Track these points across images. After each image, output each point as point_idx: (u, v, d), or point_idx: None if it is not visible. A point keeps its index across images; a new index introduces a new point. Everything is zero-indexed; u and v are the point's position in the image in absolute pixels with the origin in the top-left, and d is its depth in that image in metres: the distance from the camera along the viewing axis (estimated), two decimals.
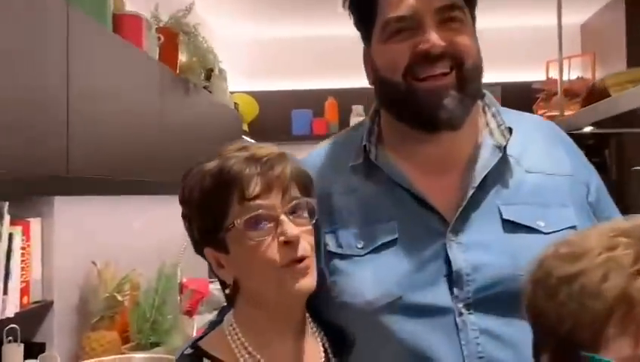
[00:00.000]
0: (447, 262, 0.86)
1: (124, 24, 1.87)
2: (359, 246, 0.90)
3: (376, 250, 0.89)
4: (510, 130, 0.91)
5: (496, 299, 0.85)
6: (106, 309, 1.91)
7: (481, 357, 0.84)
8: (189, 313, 2.37)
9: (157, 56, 2.11)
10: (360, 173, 0.94)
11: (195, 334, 2.26)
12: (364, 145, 0.93)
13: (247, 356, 0.82)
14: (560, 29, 3.05)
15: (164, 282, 2.03)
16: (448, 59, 0.86)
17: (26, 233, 1.63)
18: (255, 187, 0.79)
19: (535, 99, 3.77)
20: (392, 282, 0.87)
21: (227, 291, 0.87)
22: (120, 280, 1.96)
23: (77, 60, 1.46)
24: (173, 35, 2.29)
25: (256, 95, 4.37)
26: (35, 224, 1.69)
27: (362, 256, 0.89)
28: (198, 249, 0.87)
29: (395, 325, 0.86)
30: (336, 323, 0.93)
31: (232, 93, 3.77)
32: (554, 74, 3.99)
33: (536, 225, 0.87)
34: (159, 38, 2.14)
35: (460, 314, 0.85)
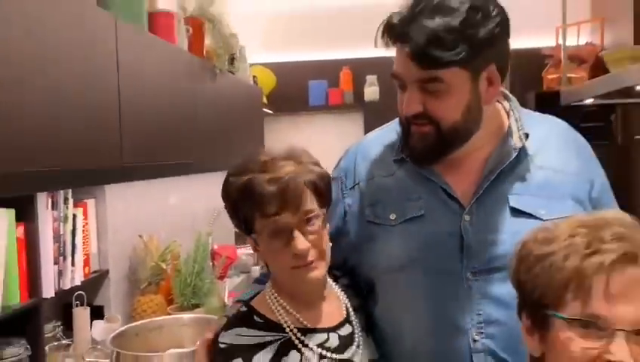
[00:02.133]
0: (461, 237, 1.06)
1: (158, 22, 2.06)
2: (392, 218, 1.11)
3: (406, 221, 1.10)
4: (527, 135, 1.08)
5: (496, 270, 1.05)
6: (152, 276, 2.17)
7: (479, 314, 1.06)
8: (222, 277, 2.62)
9: (186, 46, 2.31)
10: (398, 162, 1.15)
11: (227, 296, 2.52)
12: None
13: (283, 313, 1.04)
14: None
15: (201, 251, 2.28)
16: (424, 117, 1.03)
17: (84, 213, 1.88)
18: (273, 207, 0.96)
19: (544, 65, 3.89)
20: (416, 248, 1.09)
21: (264, 267, 1.11)
22: (163, 250, 2.22)
23: (125, 66, 1.67)
24: (200, 24, 2.48)
25: (274, 66, 4.50)
26: (90, 205, 1.94)
27: (394, 226, 1.11)
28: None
29: (415, 282, 1.09)
30: (367, 281, 1.17)
31: (251, 65, 3.92)
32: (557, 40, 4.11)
33: (538, 213, 1.05)
34: (188, 30, 2.33)
35: (467, 279, 1.06)
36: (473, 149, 1.09)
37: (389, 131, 1.20)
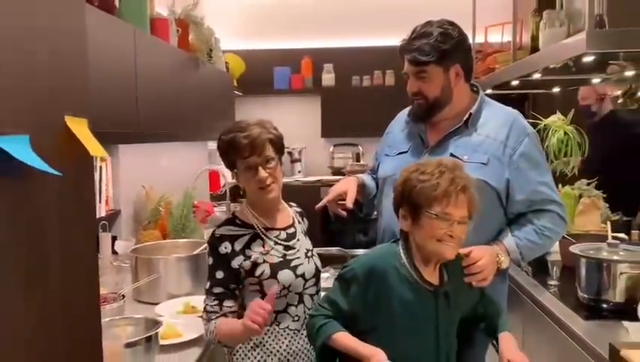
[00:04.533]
0: None
1: (157, 26, 2.75)
2: (393, 152, 1.92)
3: (398, 154, 1.90)
4: (470, 114, 1.80)
5: None
6: (151, 216, 2.89)
7: None
8: (202, 222, 3.36)
9: (176, 43, 3.00)
10: (407, 122, 1.94)
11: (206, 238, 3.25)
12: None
13: (253, 218, 1.74)
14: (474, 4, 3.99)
15: (188, 200, 3.01)
16: (419, 95, 1.80)
17: (106, 167, 2.59)
18: (246, 152, 1.59)
19: (474, 59, 4.68)
20: (398, 167, 1.68)
21: (241, 192, 1.84)
22: (160, 198, 2.94)
23: (140, 61, 2.37)
24: (186, 25, 3.17)
25: (244, 53, 5.09)
26: (109, 161, 2.66)
27: (393, 156, 1.91)
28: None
29: (389, 190, 1.81)
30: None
31: (223, 51, 4.51)
32: (491, 38, 4.90)
33: (462, 158, 1.72)
34: (177, 30, 3.03)
35: None
36: (445, 119, 1.82)
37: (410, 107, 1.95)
